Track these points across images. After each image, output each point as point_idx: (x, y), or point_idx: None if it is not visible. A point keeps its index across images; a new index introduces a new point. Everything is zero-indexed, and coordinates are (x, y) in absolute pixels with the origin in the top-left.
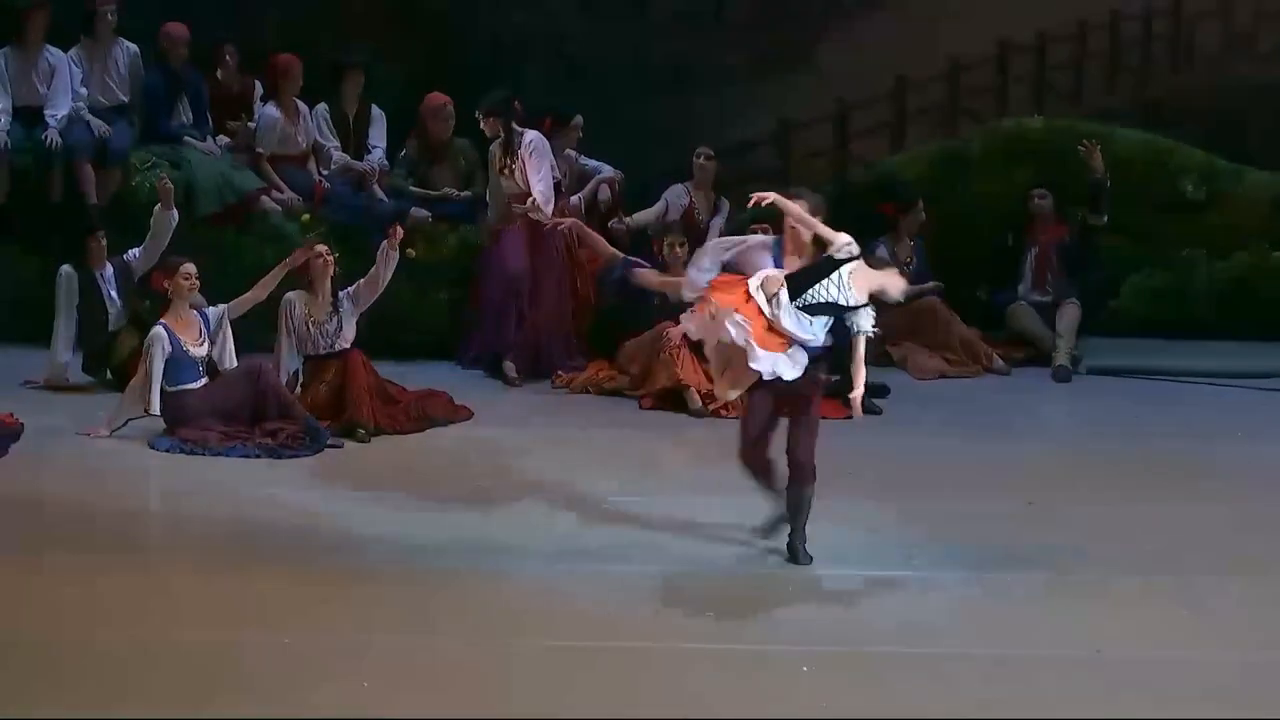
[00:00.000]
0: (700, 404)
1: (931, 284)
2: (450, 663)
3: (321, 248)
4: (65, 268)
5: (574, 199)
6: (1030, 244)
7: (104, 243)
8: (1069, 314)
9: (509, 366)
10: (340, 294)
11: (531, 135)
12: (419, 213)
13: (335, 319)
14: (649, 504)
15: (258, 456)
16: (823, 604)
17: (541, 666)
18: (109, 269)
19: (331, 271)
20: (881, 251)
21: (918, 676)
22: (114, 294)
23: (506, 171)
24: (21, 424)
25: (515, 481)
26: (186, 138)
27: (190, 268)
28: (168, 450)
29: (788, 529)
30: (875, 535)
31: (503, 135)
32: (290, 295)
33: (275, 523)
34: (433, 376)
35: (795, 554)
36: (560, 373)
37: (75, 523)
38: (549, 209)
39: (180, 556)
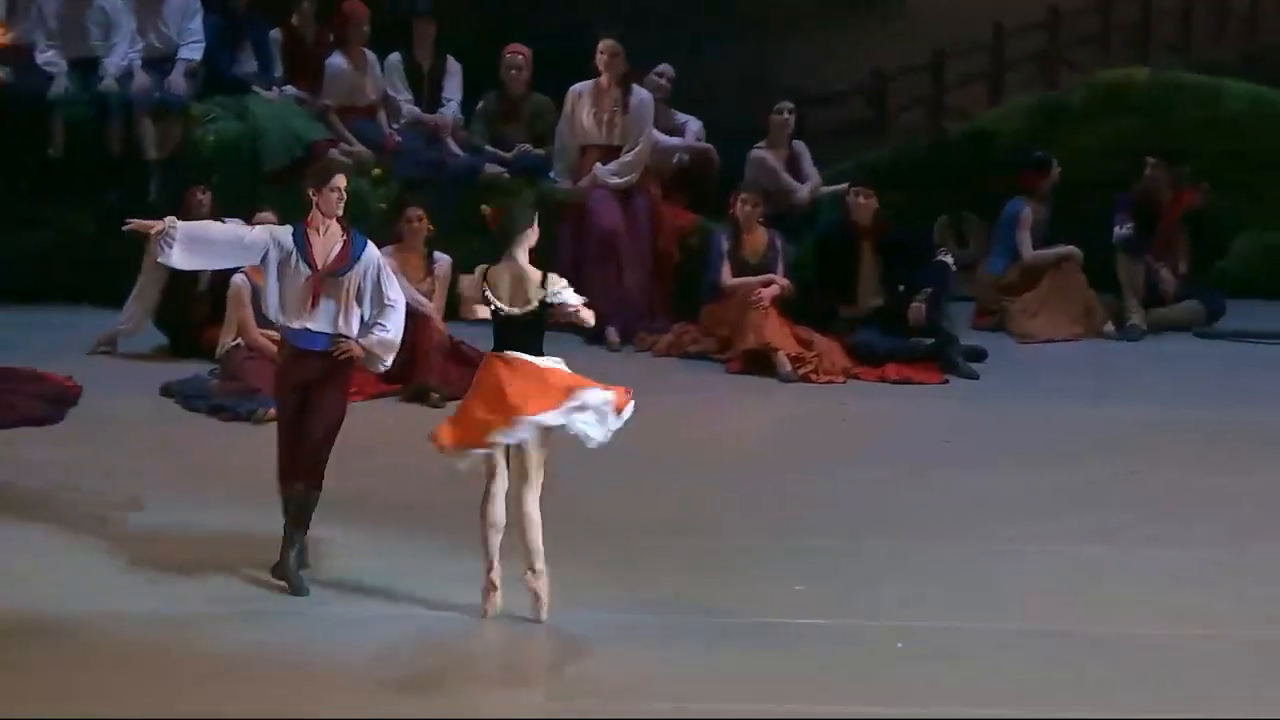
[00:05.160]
0: (789, 368)
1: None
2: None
3: (415, 210)
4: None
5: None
6: (1156, 218)
7: (205, 199)
8: (1136, 271)
9: (611, 332)
10: (436, 256)
11: (645, 94)
12: (493, 168)
13: (429, 280)
14: None
15: None
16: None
17: None
18: None
19: (425, 233)
20: (1026, 214)
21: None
22: None
23: (606, 119)
24: (80, 388)
25: None
26: (255, 87)
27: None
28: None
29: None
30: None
31: (620, 80)
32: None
33: None
34: None
35: (293, 581)
36: (643, 335)
37: None
38: (634, 176)
39: None
